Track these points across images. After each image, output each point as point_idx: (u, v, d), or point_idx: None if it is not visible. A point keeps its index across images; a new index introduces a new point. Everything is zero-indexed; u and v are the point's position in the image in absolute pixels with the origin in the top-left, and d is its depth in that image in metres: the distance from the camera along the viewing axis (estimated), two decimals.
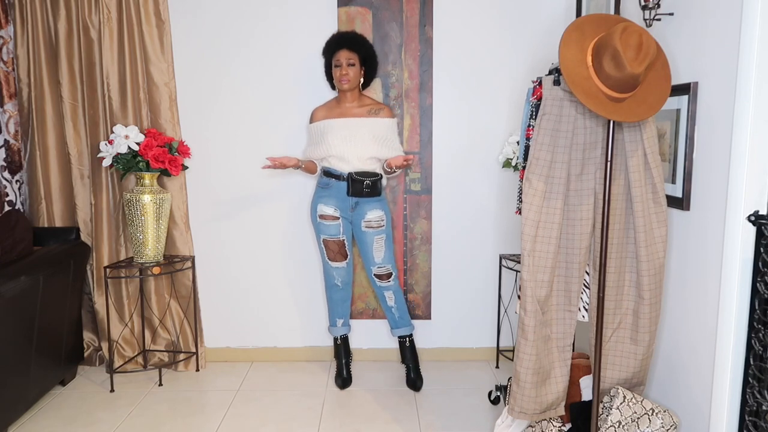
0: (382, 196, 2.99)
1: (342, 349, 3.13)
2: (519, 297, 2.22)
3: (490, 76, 3.17)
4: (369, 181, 2.87)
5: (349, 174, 2.86)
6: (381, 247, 2.97)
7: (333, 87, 3.00)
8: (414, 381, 2.99)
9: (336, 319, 3.11)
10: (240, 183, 3.25)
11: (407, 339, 3.09)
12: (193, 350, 3.25)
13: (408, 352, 3.07)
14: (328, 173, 2.92)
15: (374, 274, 3.00)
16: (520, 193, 2.48)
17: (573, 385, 2.40)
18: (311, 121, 3.00)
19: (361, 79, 2.94)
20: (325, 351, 3.35)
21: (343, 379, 3.04)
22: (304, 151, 3.06)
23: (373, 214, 2.93)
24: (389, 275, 3.00)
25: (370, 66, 2.95)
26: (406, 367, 3.07)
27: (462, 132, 3.22)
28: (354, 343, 3.34)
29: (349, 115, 2.92)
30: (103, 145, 2.94)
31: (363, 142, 2.87)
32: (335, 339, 3.15)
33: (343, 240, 2.96)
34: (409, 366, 3.05)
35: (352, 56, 2.86)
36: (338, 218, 2.93)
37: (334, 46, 2.89)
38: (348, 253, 3.00)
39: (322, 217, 2.93)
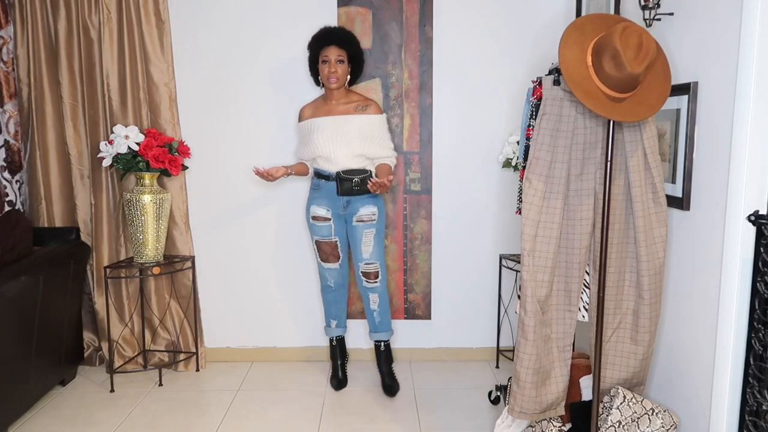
0: (375, 193, 2.89)
1: (337, 351, 3.11)
2: (519, 297, 2.22)
3: (489, 75, 3.17)
4: (358, 179, 2.79)
5: (337, 173, 2.80)
6: (369, 241, 2.90)
7: (317, 83, 2.92)
8: (390, 386, 2.93)
9: (330, 320, 3.10)
10: (240, 183, 3.25)
11: (383, 344, 3.03)
12: (193, 350, 3.25)
13: (383, 357, 3.02)
14: (318, 174, 2.90)
15: (361, 272, 2.93)
16: (520, 193, 2.48)
17: (573, 385, 2.40)
18: (299, 119, 2.96)
19: (348, 77, 2.86)
20: (324, 351, 3.35)
21: (339, 381, 3.02)
22: (295, 152, 3.05)
23: (366, 209, 2.87)
24: (376, 275, 2.94)
25: (357, 64, 2.88)
26: (380, 372, 3.01)
27: (462, 132, 3.22)
28: (353, 344, 3.34)
29: (335, 113, 2.85)
30: (103, 145, 2.94)
31: (349, 141, 2.80)
32: (330, 340, 3.15)
33: (336, 241, 2.93)
34: (383, 371, 2.99)
35: (342, 53, 2.79)
36: (330, 219, 2.89)
37: (322, 41, 2.80)
38: (341, 255, 2.97)
39: (314, 218, 2.91)
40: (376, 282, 2.95)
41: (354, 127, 2.82)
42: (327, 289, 3.05)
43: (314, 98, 3.02)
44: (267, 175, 2.74)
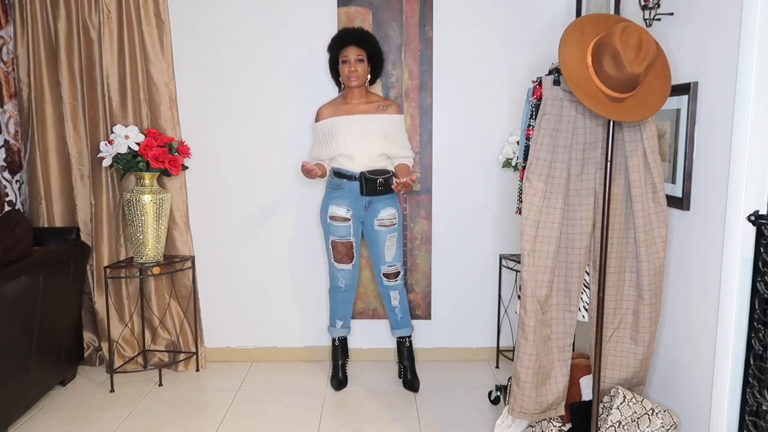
0: (394, 193, 2.95)
1: (339, 351, 3.12)
2: (519, 297, 2.22)
3: (489, 75, 3.17)
4: (382, 179, 2.84)
5: (362, 173, 2.82)
6: (393, 245, 2.95)
7: (338, 84, 2.96)
8: (411, 382, 2.98)
9: (336, 320, 3.10)
10: (240, 183, 3.25)
11: (407, 339, 3.08)
12: (193, 350, 3.25)
13: (407, 352, 3.06)
14: (339, 174, 2.88)
15: (383, 274, 2.98)
16: (520, 193, 2.48)
17: (573, 385, 2.40)
18: (317, 119, 2.94)
19: (368, 76, 2.90)
20: (325, 351, 3.35)
21: (339, 381, 3.02)
22: (311, 152, 3.04)
23: (387, 212, 2.90)
24: (397, 274, 3.00)
25: (376, 63, 2.91)
26: (402, 367, 3.06)
27: (462, 132, 3.22)
28: (354, 343, 3.34)
29: (357, 112, 2.88)
30: (103, 145, 2.94)
31: (372, 139, 2.83)
32: (333, 340, 3.14)
33: (352, 242, 2.93)
34: (406, 366, 3.04)
35: (361, 52, 2.83)
36: (349, 219, 2.89)
37: (341, 42, 2.85)
38: (355, 255, 2.96)
39: (333, 218, 2.89)
40: (396, 280, 3.00)
41: (376, 126, 2.85)
42: (337, 290, 3.04)
43: (330, 99, 3.01)
44: (314, 173, 2.72)
